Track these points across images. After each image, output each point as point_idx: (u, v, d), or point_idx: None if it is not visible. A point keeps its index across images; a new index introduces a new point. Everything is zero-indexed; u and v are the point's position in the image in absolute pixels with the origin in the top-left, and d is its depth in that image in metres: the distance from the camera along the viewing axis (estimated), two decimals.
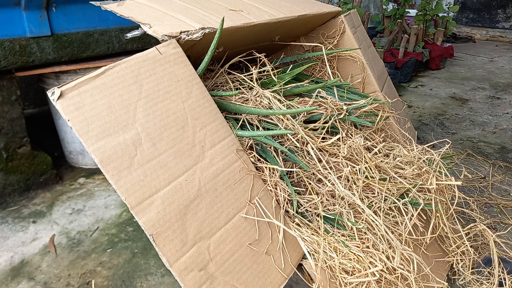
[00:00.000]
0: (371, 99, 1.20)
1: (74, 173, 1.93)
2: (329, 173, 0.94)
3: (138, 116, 0.76)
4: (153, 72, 0.80)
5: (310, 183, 0.97)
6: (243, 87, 1.07)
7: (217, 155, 0.83)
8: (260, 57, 1.06)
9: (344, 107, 1.08)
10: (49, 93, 0.68)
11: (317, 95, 1.15)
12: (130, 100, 0.76)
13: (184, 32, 0.88)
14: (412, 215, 1.02)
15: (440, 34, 3.70)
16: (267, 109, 0.99)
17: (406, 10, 3.61)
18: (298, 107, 1.06)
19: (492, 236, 1.10)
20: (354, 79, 1.40)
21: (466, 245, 1.11)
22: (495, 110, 2.74)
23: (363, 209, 0.95)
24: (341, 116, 1.10)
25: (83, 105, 0.71)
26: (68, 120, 0.69)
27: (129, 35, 0.94)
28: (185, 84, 0.84)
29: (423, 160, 1.20)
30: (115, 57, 1.80)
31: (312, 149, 0.97)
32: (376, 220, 0.92)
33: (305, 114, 1.10)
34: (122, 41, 1.77)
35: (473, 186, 1.76)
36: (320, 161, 0.99)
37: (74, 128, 0.69)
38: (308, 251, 0.88)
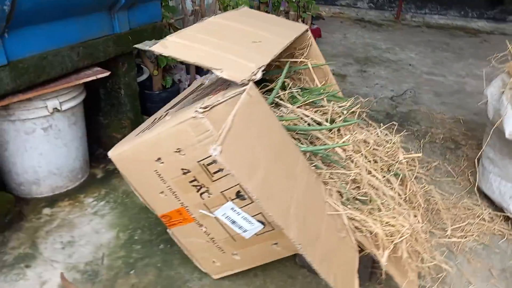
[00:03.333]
0: (350, 100, 1.54)
1: (32, 205, 1.78)
2: (357, 167, 1.26)
3: (261, 154, 0.92)
4: (252, 114, 0.96)
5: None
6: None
7: (302, 172, 1.05)
8: (287, 82, 1.27)
9: (344, 112, 1.39)
10: (212, 151, 0.80)
11: (317, 102, 1.43)
12: (252, 142, 0.91)
13: (252, 73, 1.04)
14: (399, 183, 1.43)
15: (309, 17, 4.28)
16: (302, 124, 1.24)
17: None
18: (314, 115, 1.33)
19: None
20: (319, 81, 1.71)
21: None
22: (368, 82, 3.44)
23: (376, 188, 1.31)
24: (341, 118, 1.41)
25: (234, 154, 0.84)
26: (230, 170, 0.82)
27: (206, 81, 1.04)
28: (270, 118, 1.01)
29: (386, 141, 1.62)
30: (69, 76, 1.70)
31: (343, 150, 1.26)
32: (390, 194, 1.29)
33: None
34: (74, 60, 1.69)
35: None
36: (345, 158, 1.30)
37: (236, 175, 0.82)
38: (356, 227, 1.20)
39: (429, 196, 1.76)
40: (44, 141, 1.71)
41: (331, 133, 1.38)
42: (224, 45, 1.16)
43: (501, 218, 1.75)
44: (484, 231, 1.69)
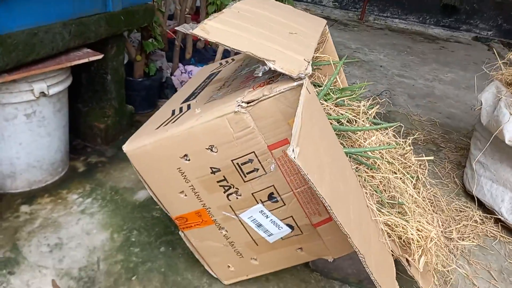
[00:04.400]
0: (369, 99, 1.51)
1: (6, 201, 1.57)
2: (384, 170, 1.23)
3: (324, 156, 0.85)
4: (313, 112, 0.89)
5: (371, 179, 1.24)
6: None
7: (351, 175, 1.00)
8: (322, 77, 1.20)
9: (370, 112, 1.36)
10: (289, 152, 0.71)
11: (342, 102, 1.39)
12: (317, 143, 0.84)
13: (304, 67, 0.96)
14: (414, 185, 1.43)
15: None
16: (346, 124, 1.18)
17: None
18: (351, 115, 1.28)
19: None
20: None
21: None
22: None
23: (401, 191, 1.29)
24: (364, 118, 1.38)
25: (308, 156, 0.76)
26: (306, 173, 0.74)
27: (260, 73, 0.94)
28: (324, 116, 0.94)
29: (396, 142, 1.62)
30: (58, 57, 1.50)
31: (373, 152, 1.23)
32: (415, 197, 1.28)
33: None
34: (66, 38, 1.49)
35: None
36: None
37: (312, 179, 0.74)
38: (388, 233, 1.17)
39: (427, 198, 1.80)
40: (25, 129, 1.50)
41: (357, 135, 1.34)
42: (266, 35, 1.07)
43: (491, 220, 1.83)
44: (478, 233, 1.75)
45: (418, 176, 1.49)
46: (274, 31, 1.13)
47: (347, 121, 1.28)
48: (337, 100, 1.27)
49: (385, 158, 1.38)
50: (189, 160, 1.08)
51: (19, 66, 1.35)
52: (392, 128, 1.68)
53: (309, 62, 1.00)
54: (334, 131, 1.12)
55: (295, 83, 0.93)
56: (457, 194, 2.03)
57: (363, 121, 1.27)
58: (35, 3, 1.34)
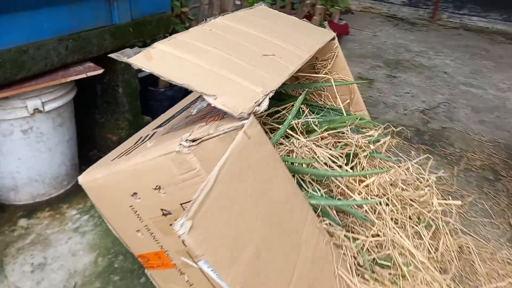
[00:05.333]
0: (379, 128, 1.27)
1: (8, 213, 1.59)
2: (380, 218, 1.00)
3: (253, 221, 0.68)
4: (248, 163, 0.71)
5: (359, 232, 1.02)
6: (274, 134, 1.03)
7: (309, 238, 0.80)
8: (303, 108, 1.01)
9: (372, 146, 1.13)
10: (176, 227, 0.56)
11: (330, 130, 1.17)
12: (244, 205, 0.67)
13: (255, 103, 0.79)
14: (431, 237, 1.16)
15: (337, 12, 3.95)
16: (313, 162, 0.98)
17: None
18: (333, 152, 1.07)
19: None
20: (342, 99, 1.45)
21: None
22: (397, 90, 3.13)
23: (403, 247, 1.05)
24: (366, 154, 1.15)
25: (211, 231, 0.60)
26: (200, 255, 0.58)
27: (194, 111, 0.80)
28: (272, 165, 0.77)
29: (417, 178, 1.35)
30: (55, 72, 1.48)
31: (363, 198, 1.00)
32: (423, 261, 1.03)
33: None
34: (62, 54, 1.46)
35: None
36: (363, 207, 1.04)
37: (210, 261, 0.58)
38: None
39: (463, 243, 1.49)
40: (23, 145, 1.50)
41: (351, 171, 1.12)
42: (227, 59, 0.91)
43: None
44: None
45: (438, 224, 1.22)
46: (242, 53, 0.96)
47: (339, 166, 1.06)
48: (324, 132, 1.06)
49: (391, 201, 1.14)
50: (139, 198, 0.97)
51: (9, 83, 1.34)
52: (416, 160, 1.42)
53: (267, 95, 0.82)
54: (306, 175, 0.93)
55: (238, 123, 0.76)
56: (510, 240, 1.67)
57: (347, 155, 1.05)
58: (24, 20, 1.32)
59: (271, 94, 0.84)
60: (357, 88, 1.40)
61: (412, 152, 2.24)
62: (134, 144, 1.08)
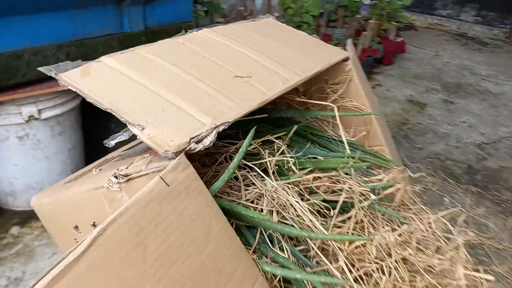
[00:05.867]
0: (389, 172, 1.03)
1: (4, 219, 1.56)
2: None
3: None
4: (160, 220, 0.55)
5: None
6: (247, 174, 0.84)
7: None
8: (279, 144, 0.83)
9: (373, 196, 0.90)
10: None
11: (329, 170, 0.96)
12: (132, 280, 0.50)
13: (194, 138, 0.62)
14: None
15: (393, 28, 3.65)
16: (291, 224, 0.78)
17: None
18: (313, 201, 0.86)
19: None
20: (357, 131, 1.22)
21: None
22: (452, 117, 2.77)
23: None
24: (367, 204, 0.92)
25: None
26: None
27: (113, 142, 0.65)
28: (201, 222, 0.59)
29: (439, 236, 1.08)
30: (53, 80, 1.42)
31: (346, 264, 0.78)
32: None
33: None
34: (61, 61, 1.40)
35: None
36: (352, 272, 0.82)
37: None
38: None
39: None
40: (19, 151, 1.46)
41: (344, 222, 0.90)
42: (182, 80, 0.75)
43: None
44: None
45: None
46: (208, 74, 0.79)
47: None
48: (305, 176, 0.85)
49: (396, 267, 0.90)
50: (81, 233, 0.84)
51: (1, 88, 1.30)
52: (445, 213, 1.17)
53: (215, 127, 0.65)
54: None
55: (166, 163, 0.60)
56: None
57: (360, 208, 0.83)
58: (20, 24, 1.27)
59: (222, 128, 0.66)
60: (375, 120, 1.17)
61: (458, 193, 1.92)
62: (93, 167, 0.96)
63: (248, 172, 0.84)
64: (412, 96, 3.10)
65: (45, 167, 1.54)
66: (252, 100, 0.76)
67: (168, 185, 0.57)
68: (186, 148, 0.60)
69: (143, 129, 0.62)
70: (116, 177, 0.68)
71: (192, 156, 0.67)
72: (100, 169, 0.83)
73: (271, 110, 1.14)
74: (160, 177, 0.56)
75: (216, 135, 0.65)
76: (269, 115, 1.15)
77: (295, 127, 1.03)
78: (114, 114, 0.65)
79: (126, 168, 0.70)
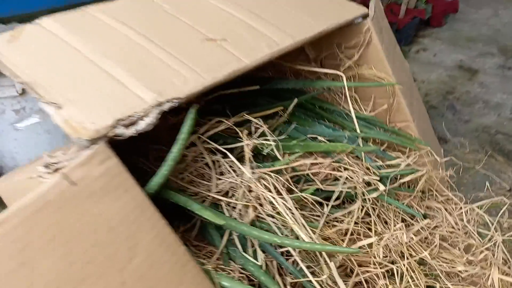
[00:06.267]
0: (412, 156, 0.84)
1: None
2: None
3: None
4: (57, 231, 0.41)
5: None
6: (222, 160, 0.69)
7: None
8: (256, 123, 0.66)
9: (382, 187, 0.71)
10: None
11: (333, 155, 0.78)
12: None
13: (123, 120, 0.47)
14: None
15: None
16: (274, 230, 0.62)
17: None
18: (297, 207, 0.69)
19: None
20: (378, 104, 1.02)
21: None
22: (508, 86, 2.41)
23: None
24: (375, 195, 0.74)
25: None
26: None
27: (23, 125, 0.52)
28: (125, 230, 0.45)
29: (472, 232, 0.88)
30: None
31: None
32: None
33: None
34: None
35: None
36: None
37: None
38: None
39: None
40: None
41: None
42: (135, 46, 0.60)
43: None
44: None
45: None
46: (172, 37, 0.64)
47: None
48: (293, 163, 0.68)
49: (409, 270, 0.73)
50: None
51: None
52: (485, 203, 0.98)
53: (157, 105, 0.50)
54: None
55: (86, 153, 0.46)
56: None
57: (365, 200, 0.66)
58: None
59: (168, 105, 0.51)
60: (399, 90, 0.96)
61: (507, 174, 1.65)
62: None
63: (224, 157, 0.69)
64: (462, 61, 2.74)
65: (47, 141, 1.47)
66: (220, 68, 0.59)
67: (76, 184, 0.43)
68: (107, 133, 0.46)
69: (59, 108, 0.48)
70: (42, 167, 0.55)
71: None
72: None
73: (271, 80, 0.97)
74: (63, 173, 0.42)
75: (159, 116, 0.50)
76: (269, 87, 0.97)
77: (295, 100, 0.85)
78: (28, 89, 0.52)
79: (49, 158, 0.57)
